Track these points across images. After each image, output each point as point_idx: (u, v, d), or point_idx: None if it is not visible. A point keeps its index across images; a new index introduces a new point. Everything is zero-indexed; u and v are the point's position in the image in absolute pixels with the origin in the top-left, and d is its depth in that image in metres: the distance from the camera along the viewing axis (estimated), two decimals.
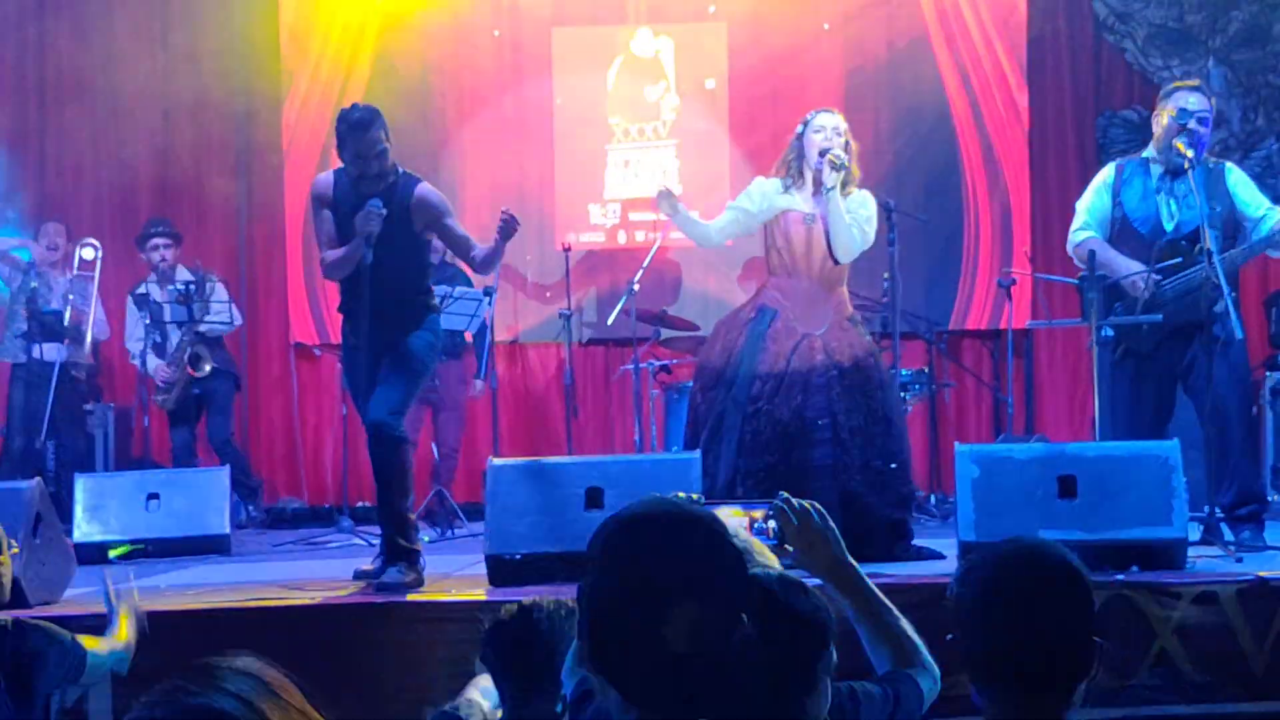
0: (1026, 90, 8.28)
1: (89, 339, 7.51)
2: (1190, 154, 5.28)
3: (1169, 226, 5.39)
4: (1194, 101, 5.47)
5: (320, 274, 5.96)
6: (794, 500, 2.39)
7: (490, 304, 7.42)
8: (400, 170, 5.14)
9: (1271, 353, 7.59)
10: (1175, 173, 5.36)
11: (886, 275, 7.06)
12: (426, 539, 5.65)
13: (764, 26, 8.35)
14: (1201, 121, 5.42)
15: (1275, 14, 8.54)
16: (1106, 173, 5.66)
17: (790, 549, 2.32)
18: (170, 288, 7.31)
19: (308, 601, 4.59)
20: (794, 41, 8.27)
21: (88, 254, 7.50)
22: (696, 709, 1.69)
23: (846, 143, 5.38)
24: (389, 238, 5.11)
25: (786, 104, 7.79)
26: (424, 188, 5.18)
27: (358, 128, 5.07)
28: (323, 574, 5.28)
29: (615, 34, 8.56)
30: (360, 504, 7.44)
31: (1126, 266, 5.39)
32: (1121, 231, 5.51)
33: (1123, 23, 8.44)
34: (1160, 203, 5.43)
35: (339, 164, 5.24)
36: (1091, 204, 5.61)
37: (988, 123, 8.31)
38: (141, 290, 7.52)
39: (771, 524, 2.39)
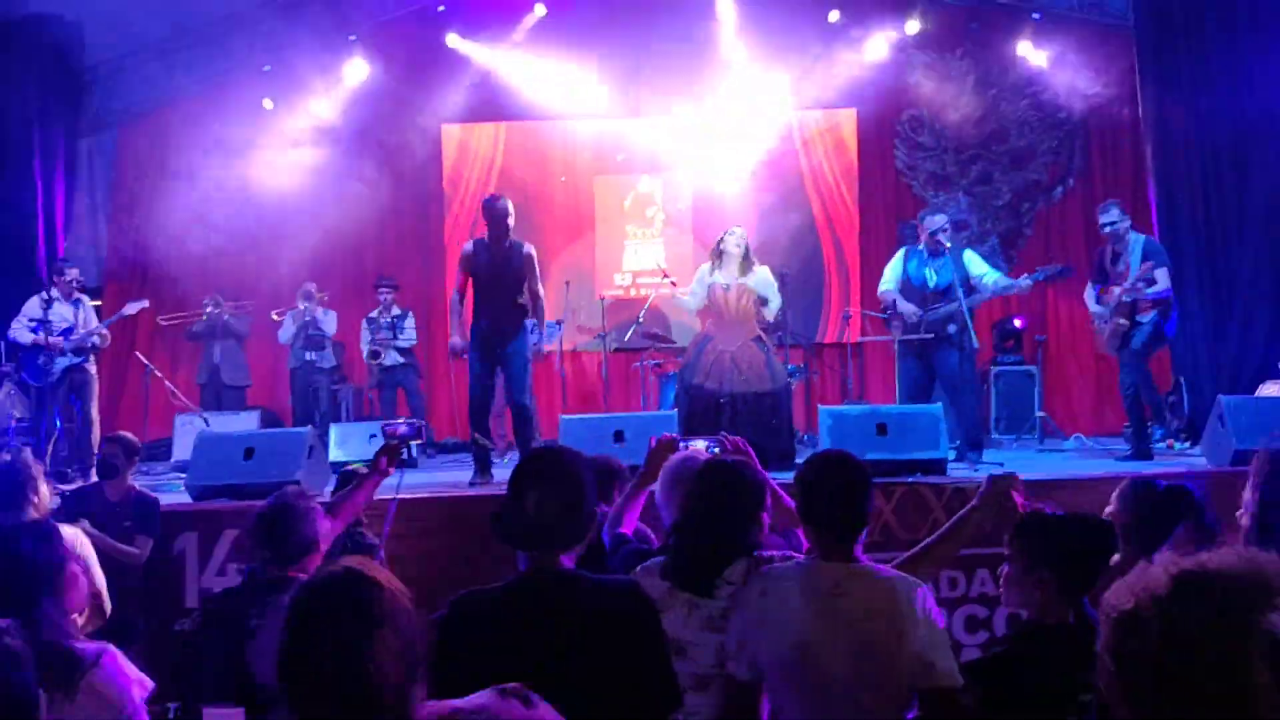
0: (859, 207, 10.45)
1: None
2: (946, 245, 6.73)
3: (931, 284, 6.79)
4: (938, 220, 6.89)
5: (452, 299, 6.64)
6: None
7: (560, 329, 9.45)
8: (516, 240, 6.08)
9: (993, 354, 9.59)
10: (935, 255, 6.78)
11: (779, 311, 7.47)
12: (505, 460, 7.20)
13: (711, 174, 10.41)
14: (944, 232, 6.82)
15: (995, 167, 10.31)
16: (899, 255, 7.06)
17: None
18: (386, 317, 9.56)
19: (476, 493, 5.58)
20: (724, 181, 10.32)
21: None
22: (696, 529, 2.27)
23: (746, 247, 6.69)
24: (506, 277, 5.98)
25: (722, 220, 8.65)
26: (531, 248, 6.13)
27: (497, 209, 5.95)
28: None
29: (631, 180, 10.46)
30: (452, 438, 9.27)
31: (908, 307, 6.73)
32: (905, 286, 6.89)
33: (911, 170, 10.51)
34: (926, 272, 6.83)
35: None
36: (891, 271, 6.99)
37: (836, 227, 10.45)
38: (374, 314, 9.56)
39: (711, 447, 3.08)
